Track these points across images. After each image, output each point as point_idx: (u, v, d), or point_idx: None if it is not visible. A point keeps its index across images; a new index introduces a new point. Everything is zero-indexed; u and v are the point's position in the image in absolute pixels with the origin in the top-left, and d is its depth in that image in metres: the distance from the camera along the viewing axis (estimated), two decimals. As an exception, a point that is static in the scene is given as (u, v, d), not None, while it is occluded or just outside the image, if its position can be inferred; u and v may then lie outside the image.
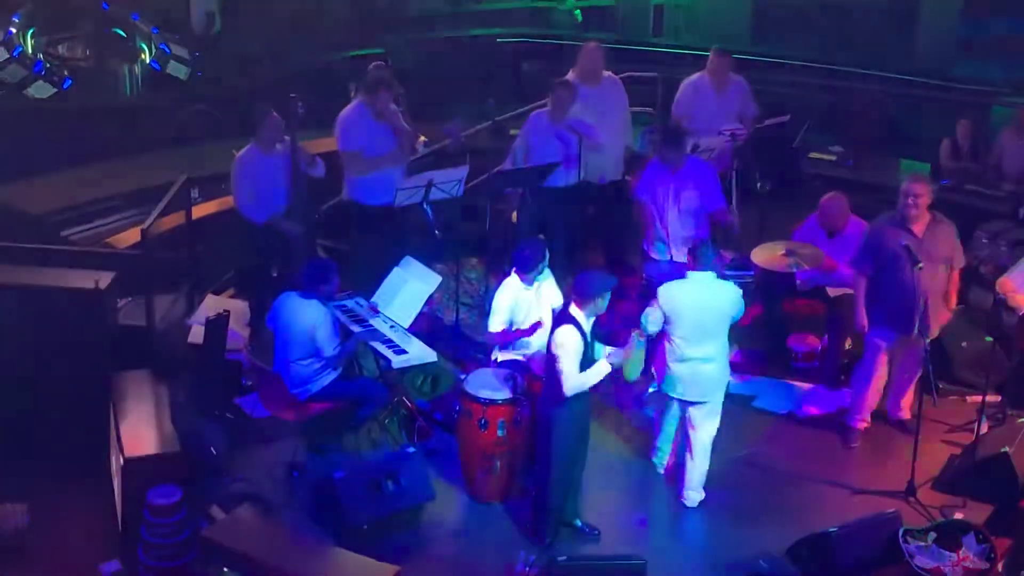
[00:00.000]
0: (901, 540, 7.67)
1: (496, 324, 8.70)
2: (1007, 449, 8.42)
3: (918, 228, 8.70)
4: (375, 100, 10.18)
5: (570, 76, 11.00)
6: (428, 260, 9.69)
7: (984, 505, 8.41)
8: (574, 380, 7.64)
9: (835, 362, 9.99)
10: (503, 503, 8.50)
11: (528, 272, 8.53)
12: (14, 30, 13.58)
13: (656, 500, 8.67)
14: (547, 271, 8.78)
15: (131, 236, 10.74)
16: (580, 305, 7.72)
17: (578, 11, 17.67)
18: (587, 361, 7.72)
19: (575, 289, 7.87)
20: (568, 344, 7.63)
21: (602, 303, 7.74)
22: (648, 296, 9.57)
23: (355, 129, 10.23)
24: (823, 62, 15.16)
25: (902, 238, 8.64)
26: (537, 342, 8.72)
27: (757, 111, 11.62)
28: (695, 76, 11.67)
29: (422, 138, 10.47)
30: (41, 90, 13.12)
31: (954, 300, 9.04)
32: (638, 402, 9.53)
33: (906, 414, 9.39)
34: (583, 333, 7.68)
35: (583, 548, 8.07)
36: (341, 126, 10.29)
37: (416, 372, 9.41)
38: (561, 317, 7.82)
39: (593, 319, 7.82)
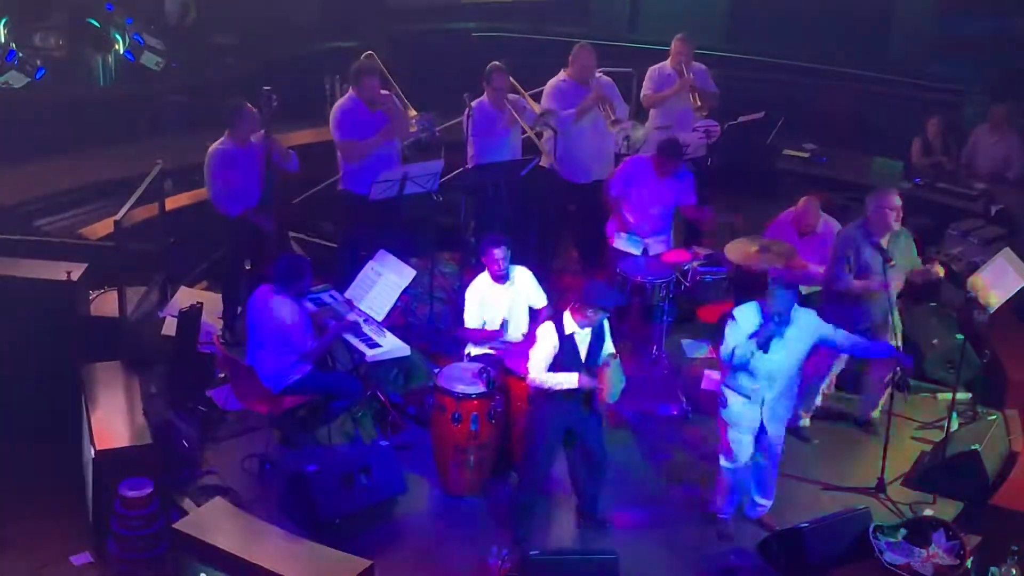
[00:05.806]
0: (871, 536, 7.72)
1: (469, 320, 8.78)
2: (977, 447, 8.48)
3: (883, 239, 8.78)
4: (361, 89, 10.20)
5: (562, 76, 11.07)
6: (403, 255, 9.66)
7: (954, 502, 8.47)
8: (535, 373, 7.66)
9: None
10: (476, 497, 8.51)
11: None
12: (-14, 20, 13.49)
13: (629, 495, 8.65)
14: (520, 269, 8.82)
15: (104, 227, 10.68)
16: (573, 309, 7.69)
17: None
18: (567, 367, 7.65)
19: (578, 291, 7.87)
20: (540, 338, 7.68)
21: (592, 315, 7.60)
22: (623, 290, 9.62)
23: (349, 119, 10.24)
24: (798, 59, 15.18)
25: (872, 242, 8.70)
26: (511, 337, 8.78)
27: (716, 88, 11.70)
28: (659, 64, 11.74)
29: (412, 112, 10.45)
30: (14, 80, 13.01)
31: None
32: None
33: (875, 412, 9.44)
34: (562, 335, 7.64)
35: (593, 540, 8.10)
36: (335, 117, 10.31)
37: (389, 366, 9.39)
38: (552, 315, 7.84)
39: (587, 329, 7.68)
